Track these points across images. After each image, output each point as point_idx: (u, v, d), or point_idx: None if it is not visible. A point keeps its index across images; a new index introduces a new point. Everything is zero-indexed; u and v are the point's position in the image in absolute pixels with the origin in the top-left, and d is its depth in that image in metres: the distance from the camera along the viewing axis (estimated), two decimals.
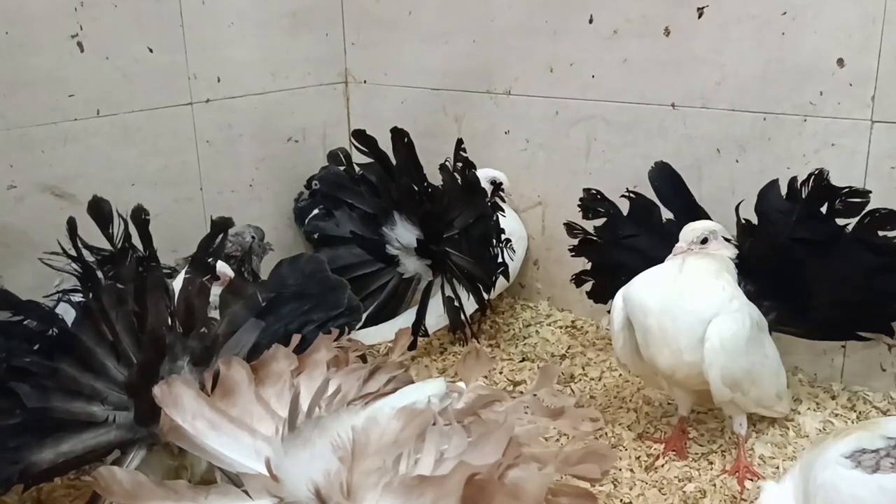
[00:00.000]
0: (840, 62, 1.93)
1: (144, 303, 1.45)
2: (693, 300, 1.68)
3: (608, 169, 2.29)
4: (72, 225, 1.50)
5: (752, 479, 1.73)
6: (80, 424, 1.38)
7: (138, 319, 1.44)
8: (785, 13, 1.97)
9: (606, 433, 1.92)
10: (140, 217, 1.52)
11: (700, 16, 2.10)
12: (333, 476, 1.05)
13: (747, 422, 1.80)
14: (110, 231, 1.51)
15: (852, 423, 1.93)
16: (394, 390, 1.22)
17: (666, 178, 2.01)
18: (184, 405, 1.11)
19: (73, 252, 1.50)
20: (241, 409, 1.16)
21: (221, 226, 1.56)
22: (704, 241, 1.74)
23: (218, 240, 1.57)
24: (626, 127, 2.30)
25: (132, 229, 1.53)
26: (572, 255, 2.12)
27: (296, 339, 1.37)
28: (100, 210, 1.51)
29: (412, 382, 1.27)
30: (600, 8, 2.27)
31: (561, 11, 2.34)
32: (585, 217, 2.07)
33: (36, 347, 1.42)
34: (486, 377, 2.17)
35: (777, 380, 1.81)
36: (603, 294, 2.08)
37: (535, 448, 1.08)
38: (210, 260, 1.57)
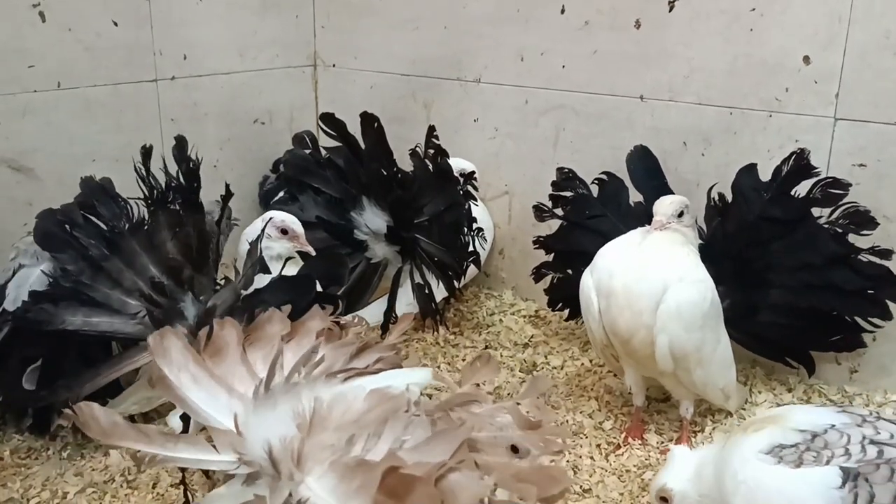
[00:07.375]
0: (806, 59, 1.95)
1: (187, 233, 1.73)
2: (659, 263, 1.69)
3: (576, 159, 2.30)
4: (148, 151, 1.79)
5: None
6: (111, 309, 1.67)
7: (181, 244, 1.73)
8: (754, 9, 2.00)
9: (567, 421, 1.93)
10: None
11: (671, 9, 2.12)
12: (288, 442, 1.06)
13: (694, 407, 1.84)
14: (185, 167, 1.81)
15: None
16: (379, 370, 1.22)
17: (644, 159, 2.07)
18: (171, 357, 1.13)
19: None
20: (225, 369, 1.18)
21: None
22: (680, 214, 1.75)
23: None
24: (594, 118, 2.31)
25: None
26: (535, 248, 2.18)
27: (287, 307, 1.38)
28: (182, 146, 1.84)
29: (400, 366, 1.27)
30: None
31: (533, 1, 2.34)
32: (555, 206, 2.13)
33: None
34: (457, 368, 2.18)
35: (726, 373, 1.82)
36: (561, 291, 2.14)
37: (492, 457, 1.08)
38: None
